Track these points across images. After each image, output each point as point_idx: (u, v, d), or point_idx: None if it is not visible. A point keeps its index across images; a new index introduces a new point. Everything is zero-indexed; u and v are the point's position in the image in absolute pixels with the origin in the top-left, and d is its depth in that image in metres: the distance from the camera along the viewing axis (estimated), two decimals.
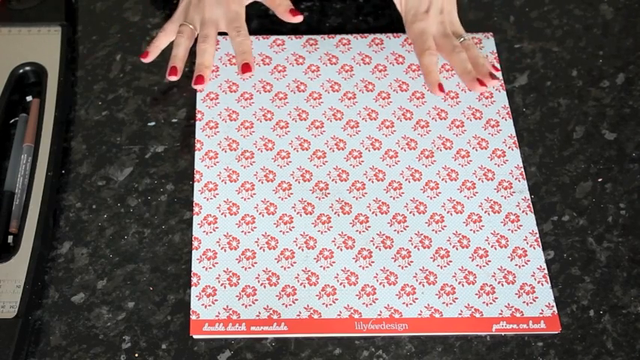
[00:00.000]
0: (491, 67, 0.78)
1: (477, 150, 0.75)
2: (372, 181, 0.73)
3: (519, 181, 0.74)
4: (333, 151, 0.75)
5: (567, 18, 0.86)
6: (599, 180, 0.75)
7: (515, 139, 0.76)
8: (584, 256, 0.70)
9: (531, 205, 0.72)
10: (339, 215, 0.71)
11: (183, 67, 0.77)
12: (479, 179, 0.74)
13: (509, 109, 0.78)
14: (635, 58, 0.83)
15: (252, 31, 0.81)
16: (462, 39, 0.79)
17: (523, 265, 0.69)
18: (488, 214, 0.72)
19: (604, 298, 0.68)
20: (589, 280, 0.69)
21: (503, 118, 0.78)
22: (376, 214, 0.71)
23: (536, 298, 0.67)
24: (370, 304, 0.67)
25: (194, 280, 0.68)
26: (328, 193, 0.73)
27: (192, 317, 0.66)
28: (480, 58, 0.78)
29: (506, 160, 0.75)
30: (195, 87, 0.75)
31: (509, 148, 0.76)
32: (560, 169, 0.75)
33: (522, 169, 0.74)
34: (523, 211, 0.72)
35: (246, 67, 0.75)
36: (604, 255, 0.71)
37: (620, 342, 0.66)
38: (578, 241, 0.71)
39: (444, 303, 0.67)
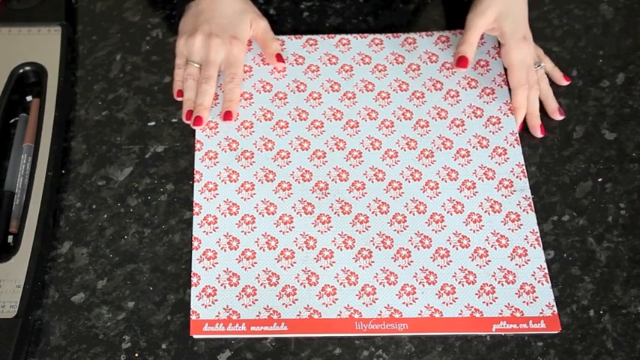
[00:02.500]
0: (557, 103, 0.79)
1: (477, 149, 0.75)
2: (372, 181, 0.73)
3: (520, 179, 0.73)
4: (333, 151, 0.75)
5: (567, 18, 0.86)
6: (599, 180, 0.75)
7: (517, 135, 0.76)
8: (584, 256, 0.70)
9: (532, 204, 0.72)
10: (339, 215, 0.71)
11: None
12: (479, 178, 0.74)
13: (511, 106, 0.78)
14: (635, 58, 0.83)
15: None
16: (538, 65, 0.79)
17: (523, 265, 0.69)
18: (489, 213, 0.72)
19: (604, 298, 0.68)
20: (589, 280, 0.69)
21: (505, 114, 0.77)
22: (376, 214, 0.71)
23: (537, 297, 0.67)
24: (370, 304, 0.67)
25: (194, 280, 0.68)
26: (328, 193, 0.73)
27: (193, 317, 0.66)
28: (548, 92, 0.78)
29: (507, 159, 0.75)
30: (194, 127, 0.76)
31: (510, 145, 0.75)
32: (560, 169, 0.75)
33: (524, 167, 0.74)
34: (524, 210, 0.72)
35: (227, 115, 0.76)
36: (604, 255, 0.70)
37: (620, 342, 0.66)
38: (578, 241, 0.71)
39: (444, 303, 0.67)
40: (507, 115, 0.77)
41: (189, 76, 0.77)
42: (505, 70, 0.79)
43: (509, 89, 0.78)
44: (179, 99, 0.78)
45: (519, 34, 0.77)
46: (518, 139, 0.76)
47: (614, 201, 0.73)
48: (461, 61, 0.78)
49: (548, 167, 0.75)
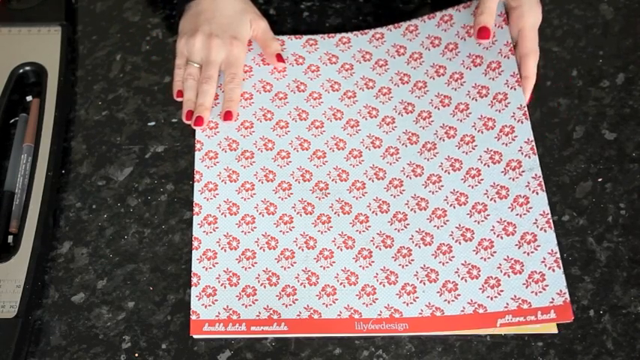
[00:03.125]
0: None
1: (482, 132, 0.73)
2: (372, 180, 0.73)
3: (529, 157, 0.70)
4: (333, 150, 0.75)
5: (567, 18, 0.86)
6: (599, 180, 0.75)
7: (526, 110, 0.72)
8: (584, 256, 0.70)
9: (542, 183, 0.69)
10: (339, 215, 0.71)
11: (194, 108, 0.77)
12: (484, 164, 0.71)
13: (518, 77, 0.73)
14: (635, 58, 0.83)
15: None
16: None
17: (532, 252, 0.66)
18: (495, 201, 0.69)
19: (604, 298, 0.68)
20: (589, 280, 0.69)
21: (512, 88, 0.73)
22: (376, 214, 0.71)
23: (546, 286, 0.65)
24: (370, 304, 0.67)
25: (194, 280, 0.68)
26: (328, 193, 0.73)
27: (193, 317, 0.66)
28: None
29: (515, 137, 0.71)
30: (195, 127, 0.76)
31: (518, 121, 0.72)
32: (560, 169, 0.75)
33: (533, 144, 0.70)
34: (533, 191, 0.68)
35: (228, 115, 0.76)
36: (604, 255, 0.70)
37: (620, 342, 0.66)
38: (578, 241, 0.71)
39: (445, 300, 0.66)
40: (514, 89, 0.73)
41: (190, 76, 0.77)
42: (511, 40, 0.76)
43: (517, 59, 0.75)
44: (179, 99, 0.78)
45: None
46: (527, 113, 0.72)
47: (614, 201, 0.73)
48: (482, 32, 0.74)
49: (548, 167, 0.75)
